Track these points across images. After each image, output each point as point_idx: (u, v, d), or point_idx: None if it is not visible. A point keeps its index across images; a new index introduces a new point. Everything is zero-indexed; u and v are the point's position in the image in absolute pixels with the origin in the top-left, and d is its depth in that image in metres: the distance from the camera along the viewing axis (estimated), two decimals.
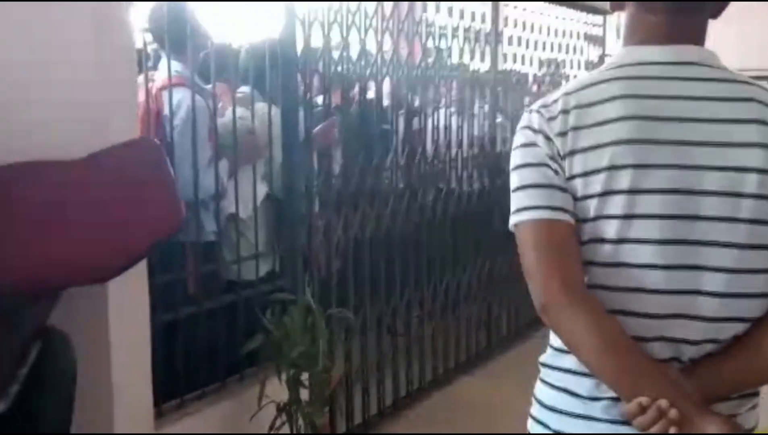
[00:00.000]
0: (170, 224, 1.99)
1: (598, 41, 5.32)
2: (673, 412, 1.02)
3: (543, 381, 1.24)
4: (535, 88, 4.61)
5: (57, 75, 2.05)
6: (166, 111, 2.49)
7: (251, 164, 2.83)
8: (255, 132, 2.84)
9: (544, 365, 1.24)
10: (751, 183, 1.08)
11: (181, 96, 2.55)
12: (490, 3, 4.08)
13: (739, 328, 1.12)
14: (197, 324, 2.57)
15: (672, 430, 1.02)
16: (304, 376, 2.67)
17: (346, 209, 3.12)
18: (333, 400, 2.81)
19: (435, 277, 3.74)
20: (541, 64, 4.68)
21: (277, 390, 2.64)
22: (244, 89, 2.96)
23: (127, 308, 2.19)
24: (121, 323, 2.17)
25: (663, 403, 1.03)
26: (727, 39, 5.77)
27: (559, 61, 4.87)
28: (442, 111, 3.77)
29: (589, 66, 5.13)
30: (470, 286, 4.05)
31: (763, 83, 1.17)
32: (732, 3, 1.20)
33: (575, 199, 1.12)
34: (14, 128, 2.04)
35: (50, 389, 1.75)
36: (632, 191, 1.09)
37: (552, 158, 1.13)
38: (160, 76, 2.65)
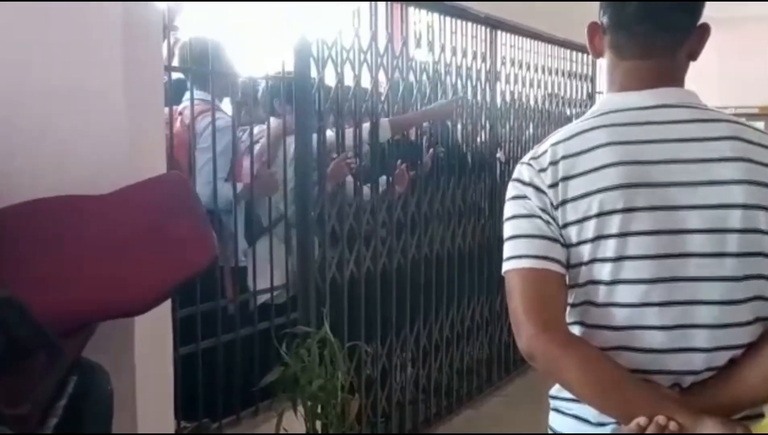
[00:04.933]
0: (201, 260, 1.99)
1: (587, 78, 5.46)
2: (672, 425, 1.08)
3: (555, 410, 1.28)
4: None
5: (85, 107, 2.05)
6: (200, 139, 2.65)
7: (266, 197, 2.87)
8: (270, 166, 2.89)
9: (553, 397, 1.28)
10: (735, 218, 1.12)
11: (223, 123, 2.70)
12: (487, 42, 4.18)
13: (733, 354, 1.17)
14: (215, 355, 2.58)
15: None
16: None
17: (358, 243, 3.15)
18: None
19: (442, 312, 3.76)
20: (535, 100, 4.78)
21: (293, 423, 2.64)
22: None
23: (151, 339, 2.19)
24: (146, 354, 2.17)
25: (661, 419, 1.08)
26: (719, 75, 5.93)
27: (553, 96, 4.98)
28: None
29: (580, 102, 5.26)
30: (473, 321, 4.08)
31: (755, 122, 1.22)
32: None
33: (571, 245, 1.17)
34: (41, 162, 2.05)
35: (88, 421, 1.75)
36: (622, 234, 1.13)
37: (543, 210, 1.17)
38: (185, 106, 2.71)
